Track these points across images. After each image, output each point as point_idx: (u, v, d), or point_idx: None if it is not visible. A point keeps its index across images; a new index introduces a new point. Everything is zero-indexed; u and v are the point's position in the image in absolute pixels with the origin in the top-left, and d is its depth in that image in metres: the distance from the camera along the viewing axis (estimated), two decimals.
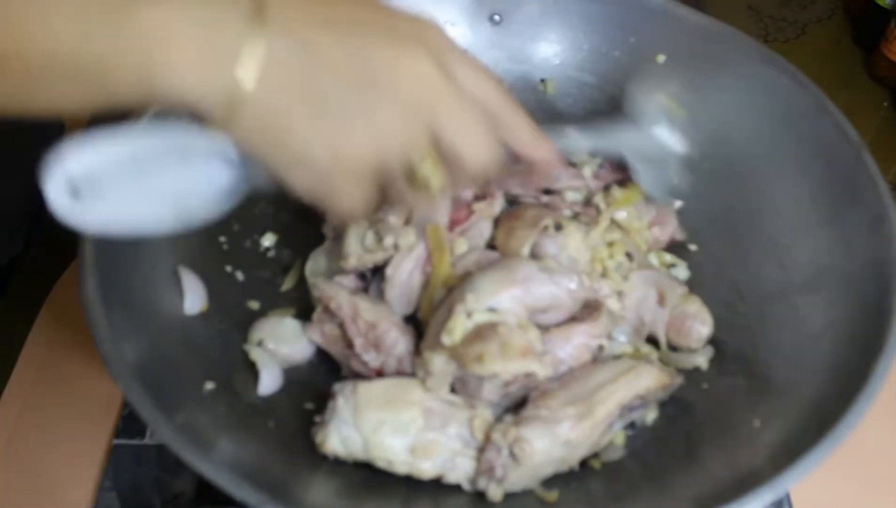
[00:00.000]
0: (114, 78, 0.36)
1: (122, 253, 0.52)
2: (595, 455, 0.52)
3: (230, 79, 0.37)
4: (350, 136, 0.40)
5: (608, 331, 0.55)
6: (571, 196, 0.63)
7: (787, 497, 0.58)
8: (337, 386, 0.50)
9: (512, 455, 0.48)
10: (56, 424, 0.60)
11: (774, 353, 0.55)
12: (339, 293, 0.55)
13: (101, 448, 0.59)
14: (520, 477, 0.49)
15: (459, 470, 0.49)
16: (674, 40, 0.69)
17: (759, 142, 0.64)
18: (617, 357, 0.55)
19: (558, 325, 0.54)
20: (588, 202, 0.63)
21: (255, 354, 0.55)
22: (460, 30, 0.72)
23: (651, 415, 0.54)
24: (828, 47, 1.00)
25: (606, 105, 0.72)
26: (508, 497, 0.49)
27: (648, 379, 0.52)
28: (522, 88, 0.73)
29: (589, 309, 0.54)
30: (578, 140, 0.59)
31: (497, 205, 0.62)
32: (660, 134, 0.63)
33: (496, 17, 0.73)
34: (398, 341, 0.53)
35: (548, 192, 0.63)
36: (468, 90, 0.44)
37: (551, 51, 0.73)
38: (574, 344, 0.53)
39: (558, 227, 0.58)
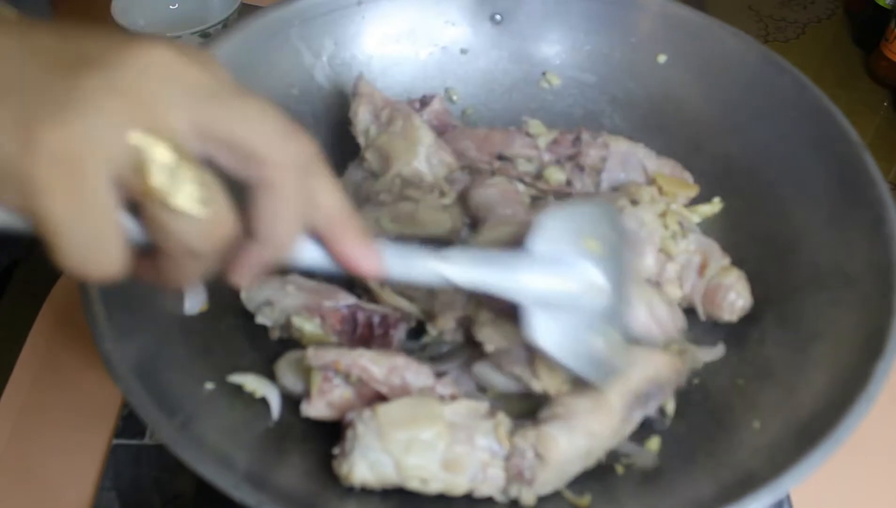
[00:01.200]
0: None
1: None
2: (619, 459, 0.52)
3: None
4: (48, 120, 0.29)
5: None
6: (523, 166, 0.64)
7: (788, 498, 0.58)
8: (351, 414, 0.48)
9: (537, 455, 0.48)
10: (56, 424, 0.60)
11: (775, 353, 0.55)
12: (342, 354, 0.51)
13: (101, 448, 0.59)
14: (549, 477, 0.49)
15: (491, 482, 0.49)
16: (674, 40, 0.69)
17: (759, 142, 0.64)
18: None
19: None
20: (539, 176, 0.64)
21: (253, 383, 0.53)
22: (461, 29, 0.72)
23: (671, 409, 0.54)
24: (828, 47, 1.00)
25: (607, 105, 0.72)
26: (540, 503, 0.49)
27: (657, 363, 0.53)
28: (524, 88, 0.72)
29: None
30: (449, 267, 0.43)
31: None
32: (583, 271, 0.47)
33: (497, 17, 0.73)
34: (419, 371, 0.52)
35: (501, 158, 0.64)
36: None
37: (552, 51, 0.73)
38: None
39: (634, 202, 0.59)
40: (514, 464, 0.48)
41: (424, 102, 0.68)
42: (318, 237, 0.38)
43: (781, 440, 0.48)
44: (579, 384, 0.50)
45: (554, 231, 0.46)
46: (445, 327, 0.53)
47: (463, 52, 0.73)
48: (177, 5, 0.92)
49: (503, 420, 0.50)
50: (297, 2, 0.67)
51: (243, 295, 0.57)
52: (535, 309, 0.45)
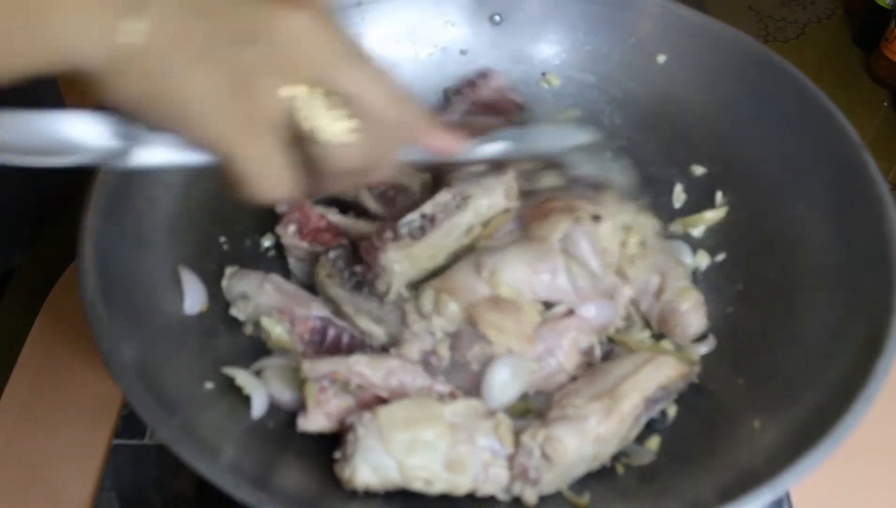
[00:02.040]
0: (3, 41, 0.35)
1: (122, 253, 0.52)
2: (619, 459, 0.52)
3: (113, 29, 0.36)
4: (236, 83, 0.38)
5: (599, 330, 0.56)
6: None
7: (788, 497, 0.58)
8: (352, 418, 0.48)
9: (544, 455, 0.48)
10: (56, 424, 0.60)
11: (775, 353, 0.55)
12: (337, 363, 0.51)
13: (101, 448, 0.59)
14: (553, 478, 0.49)
15: (493, 481, 0.49)
16: (674, 40, 0.69)
17: (759, 143, 0.64)
18: (630, 350, 0.57)
19: (551, 318, 0.55)
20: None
21: (242, 378, 0.53)
22: (461, 30, 0.72)
23: (672, 410, 0.55)
24: (828, 47, 1.00)
25: (606, 105, 0.72)
26: (541, 502, 0.49)
27: (669, 369, 0.53)
28: (523, 88, 0.72)
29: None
30: (493, 146, 0.54)
31: None
32: (573, 130, 0.61)
33: (496, 18, 0.73)
34: (415, 372, 0.52)
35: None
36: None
37: (552, 51, 0.73)
38: (565, 340, 0.54)
39: (596, 218, 0.58)
40: (520, 463, 0.48)
41: (483, 75, 0.71)
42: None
43: (781, 439, 0.48)
44: (593, 388, 0.51)
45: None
46: (409, 356, 0.53)
47: (462, 52, 0.73)
48: None
49: (503, 419, 0.50)
50: None
51: (224, 282, 0.57)
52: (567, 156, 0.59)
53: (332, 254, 0.59)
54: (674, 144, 0.69)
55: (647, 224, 0.61)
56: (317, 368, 0.50)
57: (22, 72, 0.36)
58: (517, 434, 0.49)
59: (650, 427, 0.53)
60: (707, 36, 0.68)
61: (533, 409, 0.54)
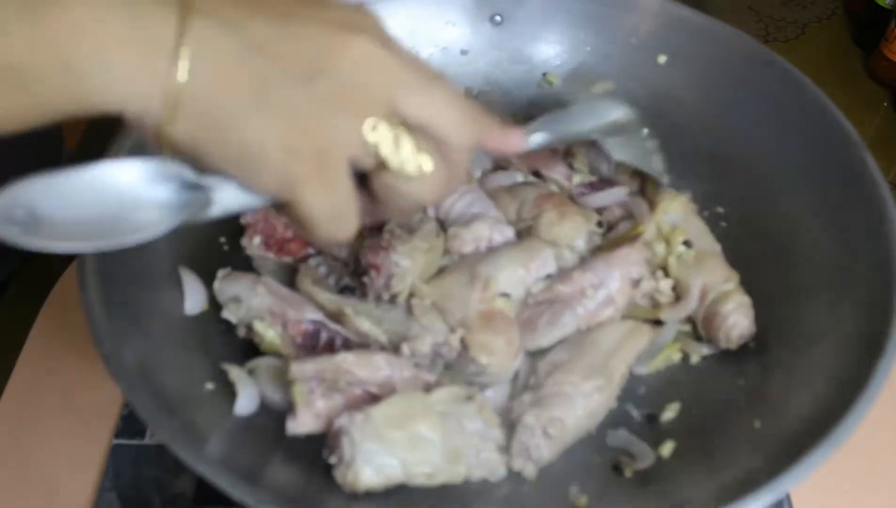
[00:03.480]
0: (35, 81, 0.33)
1: (122, 253, 0.52)
2: (628, 463, 0.52)
3: (160, 72, 0.34)
4: (299, 125, 0.36)
5: (645, 259, 0.58)
6: (553, 188, 0.66)
7: (788, 498, 0.58)
8: (342, 420, 0.48)
9: (546, 434, 0.51)
10: (56, 424, 0.60)
11: (775, 354, 0.55)
12: (324, 362, 0.51)
13: (101, 448, 0.59)
14: (550, 452, 0.51)
15: (485, 465, 0.50)
16: (675, 41, 0.69)
17: (760, 143, 0.64)
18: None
19: (598, 252, 0.59)
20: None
21: (235, 374, 0.53)
22: (461, 30, 0.72)
23: (670, 414, 0.55)
24: (828, 47, 1.00)
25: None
26: (540, 502, 0.50)
27: (645, 338, 0.56)
28: (524, 88, 0.72)
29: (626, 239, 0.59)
30: (539, 136, 0.53)
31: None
32: (608, 107, 0.60)
33: (497, 18, 0.73)
34: (400, 364, 0.52)
35: (537, 174, 0.66)
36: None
37: (552, 51, 0.73)
38: (618, 275, 0.57)
39: (610, 228, 0.62)
40: (522, 441, 0.50)
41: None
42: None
43: (781, 440, 0.48)
44: (584, 363, 0.53)
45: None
46: (421, 350, 0.53)
47: (463, 52, 0.73)
48: None
49: (483, 401, 0.51)
50: None
51: (216, 285, 0.57)
52: (605, 139, 0.58)
53: (312, 262, 0.59)
54: (674, 144, 0.69)
55: (694, 224, 0.62)
56: (304, 369, 0.50)
57: (52, 117, 0.35)
58: (504, 415, 0.52)
59: (665, 433, 0.54)
60: (708, 36, 0.68)
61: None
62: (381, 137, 0.38)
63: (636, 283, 0.58)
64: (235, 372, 0.53)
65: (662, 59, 0.70)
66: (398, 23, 0.70)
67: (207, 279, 0.57)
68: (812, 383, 0.51)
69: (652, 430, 0.54)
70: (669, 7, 0.69)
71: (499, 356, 0.53)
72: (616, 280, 0.57)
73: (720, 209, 0.65)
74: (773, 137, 0.64)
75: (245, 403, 0.52)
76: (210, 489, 0.42)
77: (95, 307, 0.47)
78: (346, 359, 0.51)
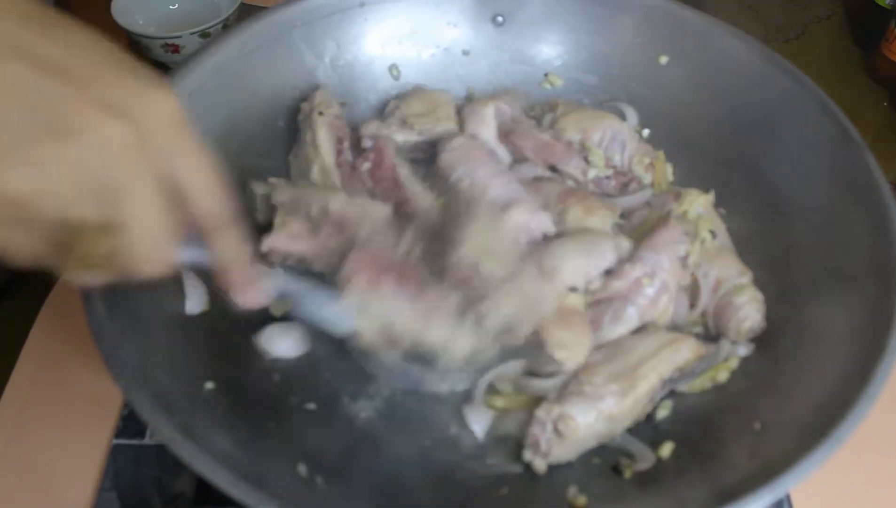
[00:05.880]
0: None
1: None
2: (628, 464, 0.52)
3: None
4: (7, 167, 0.34)
5: (686, 232, 0.59)
6: (569, 183, 0.67)
7: (788, 498, 0.58)
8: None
9: (556, 430, 0.50)
10: (56, 424, 0.60)
11: (775, 355, 0.55)
12: (304, 193, 0.55)
13: (101, 448, 0.59)
14: (564, 451, 0.51)
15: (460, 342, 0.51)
16: (675, 41, 0.69)
17: (761, 143, 0.64)
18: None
19: (641, 237, 0.59)
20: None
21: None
22: (462, 31, 0.72)
23: (663, 412, 0.55)
24: (828, 47, 1.00)
25: (608, 107, 0.72)
26: (539, 502, 0.50)
27: (688, 351, 0.54)
28: (526, 89, 0.72)
29: (659, 221, 0.59)
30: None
31: None
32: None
33: (499, 19, 0.73)
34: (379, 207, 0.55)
35: (553, 169, 0.67)
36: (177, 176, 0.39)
37: (554, 52, 0.73)
38: (665, 256, 0.57)
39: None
40: (533, 434, 0.51)
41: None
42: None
43: (782, 440, 0.48)
44: (613, 367, 0.53)
45: None
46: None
47: (465, 53, 0.73)
48: (177, 5, 0.92)
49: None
50: (300, 3, 0.67)
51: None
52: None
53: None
54: (675, 143, 0.69)
55: (716, 220, 0.63)
56: (284, 192, 0.55)
57: None
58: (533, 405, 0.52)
59: (665, 434, 0.54)
60: (709, 37, 0.68)
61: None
62: (80, 218, 0.37)
63: (684, 261, 0.58)
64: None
65: (664, 59, 0.70)
66: (401, 24, 0.71)
67: (208, 279, 0.57)
68: (812, 383, 0.51)
69: (651, 431, 0.54)
70: (670, 8, 0.70)
71: (576, 351, 0.54)
72: (666, 262, 0.58)
73: (721, 210, 0.65)
74: (774, 136, 0.64)
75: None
76: (210, 489, 0.42)
77: (95, 307, 0.47)
78: (323, 192, 0.54)
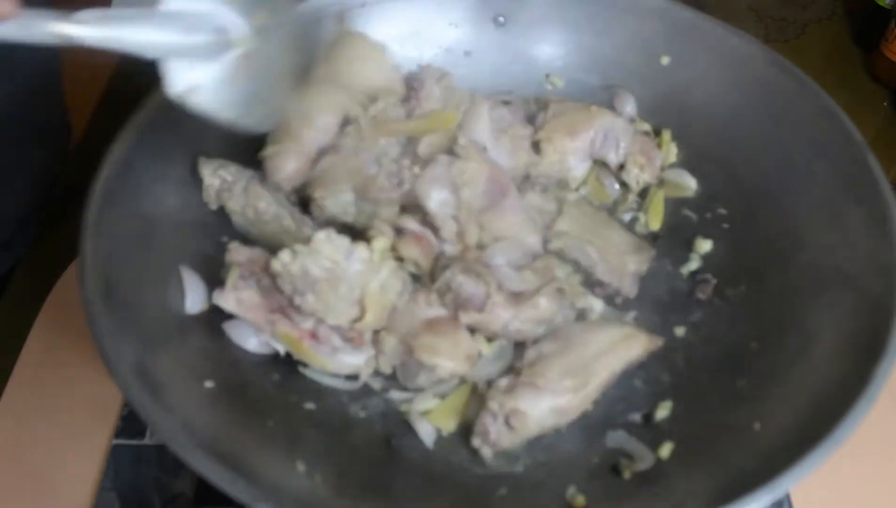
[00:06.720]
0: None
1: (123, 253, 0.52)
2: (627, 465, 0.52)
3: None
4: None
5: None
6: None
7: (788, 498, 0.58)
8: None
9: (507, 423, 0.51)
10: (56, 424, 0.60)
11: (775, 354, 0.55)
12: (261, 254, 0.54)
13: (101, 448, 0.59)
14: (511, 441, 0.52)
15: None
16: (676, 41, 0.69)
17: (762, 143, 0.64)
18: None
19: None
20: None
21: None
22: (464, 31, 0.72)
23: (663, 412, 0.55)
24: (828, 47, 1.00)
25: (609, 107, 0.72)
26: (539, 502, 0.50)
27: (639, 347, 0.56)
28: (527, 89, 0.72)
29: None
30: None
31: None
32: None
33: (500, 19, 0.73)
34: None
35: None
36: None
37: (555, 52, 0.73)
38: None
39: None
40: (483, 423, 0.51)
41: None
42: None
43: (781, 440, 0.48)
44: (566, 361, 0.53)
45: None
46: (386, 347, 0.55)
47: (466, 54, 0.73)
48: None
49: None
50: (302, 4, 0.67)
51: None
52: (172, 62, 0.47)
53: None
54: (676, 143, 0.69)
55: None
56: (240, 252, 0.54)
57: None
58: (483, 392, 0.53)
59: (664, 434, 0.54)
60: (710, 37, 0.68)
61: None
62: None
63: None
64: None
65: (665, 60, 0.70)
66: (402, 24, 0.71)
67: (208, 278, 0.57)
68: (812, 383, 0.51)
69: (650, 431, 0.54)
70: (671, 8, 0.70)
71: (441, 355, 0.54)
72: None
73: (722, 210, 0.65)
74: (775, 137, 0.64)
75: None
76: (210, 489, 0.42)
77: (95, 307, 0.47)
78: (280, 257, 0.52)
